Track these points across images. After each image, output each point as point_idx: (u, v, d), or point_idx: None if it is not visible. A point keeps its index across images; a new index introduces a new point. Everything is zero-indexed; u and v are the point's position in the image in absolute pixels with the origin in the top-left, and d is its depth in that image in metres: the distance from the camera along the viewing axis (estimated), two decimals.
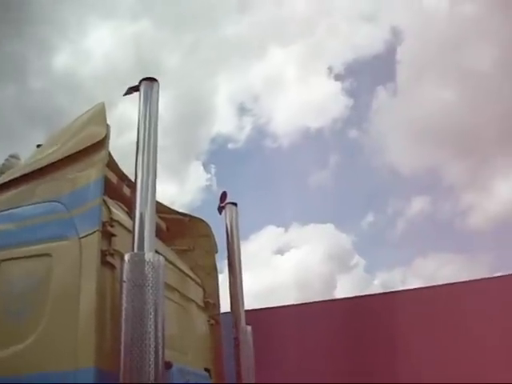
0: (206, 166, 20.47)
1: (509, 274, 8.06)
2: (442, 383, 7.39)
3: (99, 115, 4.66)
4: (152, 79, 4.68)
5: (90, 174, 4.43)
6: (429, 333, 8.09)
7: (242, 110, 20.46)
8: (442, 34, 17.32)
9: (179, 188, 19.13)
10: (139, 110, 4.59)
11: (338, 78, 19.93)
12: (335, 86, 20.11)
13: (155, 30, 19.83)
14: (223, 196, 6.70)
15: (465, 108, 17.57)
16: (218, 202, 6.70)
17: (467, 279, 8.51)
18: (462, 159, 18.35)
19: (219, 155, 20.16)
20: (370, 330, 8.45)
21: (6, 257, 4.44)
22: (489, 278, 8.43)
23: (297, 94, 20.59)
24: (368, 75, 19.93)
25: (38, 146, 5.56)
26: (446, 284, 8.54)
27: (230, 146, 20.11)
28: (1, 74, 16.29)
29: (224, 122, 21.14)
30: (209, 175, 20.06)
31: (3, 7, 15.02)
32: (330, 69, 19.62)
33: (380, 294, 9.42)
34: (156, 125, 4.56)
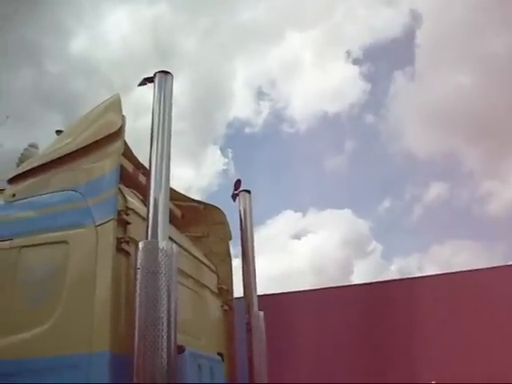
0: (223, 151, 20.56)
1: None
2: (446, 383, 7.47)
3: (115, 106, 4.77)
4: (166, 72, 4.78)
5: (105, 164, 4.57)
6: (445, 319, 8.16)
7: (260, 95, 20.47)
8: (460, 18, 17.21)
9: (196, 172, 19.20)
10: (153, 101, 4.70)
11: (355, 62, 20.04)
12: (353, 71, 20.14)
13: (172, 14, 19.91)
14: (237, 183, 6.80)
15: (483, 93, 17.44)
16: (232, 188, 6.80)
17: (483, 267, 8.54)
18: (479, 144, 18.28)
19: (236, 140, 20.26)
20: (384, 317, 8.53)
21: (25, 243, 4.60)
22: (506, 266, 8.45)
23: (314, 78, 20.64)
24: (386, 59, 19.86)
25: (58, 131, 5.70)
26: (463, 271, 8.58)
27: (247, 130, 20.23)
28: (18, 58, 16.41)
29: (241, 107, 21.15)
30: (226, 159, 20.16)
31: None
32: (348, 53, 19.65)
33: (396, 280, 9.51)
34: (170, 116, 4.67)
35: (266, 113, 20.92)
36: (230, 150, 20.79)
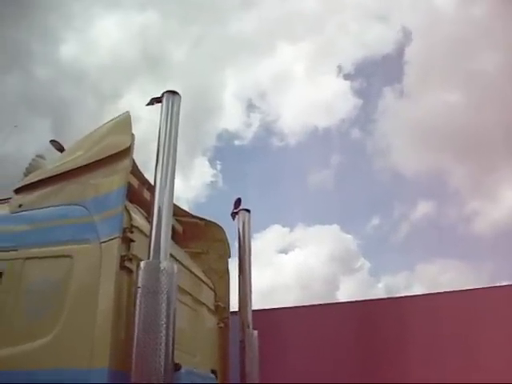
0: (211, 162, 20.32)
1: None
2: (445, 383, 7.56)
3: (125, 124, 4.87)
4: (174, 92, 4.90)
5: (113, 181, 4.65)
6: (431, 340, 8.25)
7: (250, 107, 20.26)
8: (451, 35, 17.27)
9: (184, 183, 18.87)
10: (160, 120, 4.81)
11: (347, 77, 19.84)
12: (344, 85, 19.99)
13: (161, 22, 19.62)
14: (237, 202, 6.91)
15: (471, 111, 17.47)
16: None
17: (469, 288, 8.66)
18: (467, 163, 18.23)
19: (225, 152, 20.01)
20: (379, 334, 8.60)
21: (29, 255, 4.66)
22: (492, 287, 8.57)
23: (305, 92, 20.46)
24: (377, 75, 19.89)
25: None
26: (449, 292, 8.69)
27: (236, 142, 19.98)
28: (6, 62, 16.27)
29: (231, 119, 20.95)
30: (214, 171, 19.93)
31: None
32: (340, 67, 19.52)
33: (390, 298, 9.60)
34: (176, 135, 4.77)
35: (255, 125, 20.78)
36: (218, 162, 20.63)
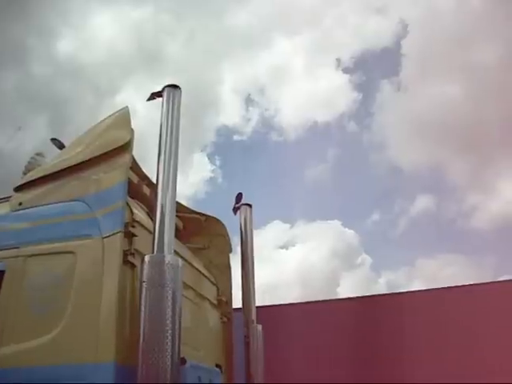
0: (210, 158, 20.29)
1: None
2: (442, 383, 7.56)
3: (124, 119, 4.86)
4: (175, 86, 4.87)
5: (114, 177, 4.64)
6: (434, 335, 8.26)
7: (248, 102, 20.29)
8: (449, 27, 17.29)
9: (183, 179, 18.69)
10: (161, 114, 4.79)
11: (345, 70, 20.00)
12: (342, 79, 20.13)
13: (157, 17, 19.71)
14: (239, 197, 6.89)
15: (470, 104, 17.53)
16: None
17: (471, 283, 8.67)
18: (466, 157, 18.29)
19: (224, 147, 19.95)
20: (383, 330, 8.60)
21: (31, 252, 4.66)
22: (494, 282, 8.58)
23: (303, 86, 20.48)
24: (375, 68, 19.90)
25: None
26: (451, 287, 8.70)
27: (235, 137, 20.01)
28: (3, 59, 16.26)
29: (229, 114, 20.93)
30: (213, 167, 19.91)
31: None
32: (338, 61, 19.67)
33: (394, 293, 9.59)
34: (178, 129, 4.75)
35: (254, 120, 20.76)
36: (217, 158, 20.60)
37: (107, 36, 19.65)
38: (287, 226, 19.05)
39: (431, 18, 18.01)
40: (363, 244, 18.79)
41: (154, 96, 4.97)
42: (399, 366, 8.15)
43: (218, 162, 20.31)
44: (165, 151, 4.63)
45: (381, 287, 16.76)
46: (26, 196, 5.11)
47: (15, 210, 5.06)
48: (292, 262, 18.60)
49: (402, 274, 17.60)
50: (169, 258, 4.17)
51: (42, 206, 4.94)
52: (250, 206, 6.88)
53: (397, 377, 8.02)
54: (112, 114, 5.05)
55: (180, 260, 4.31)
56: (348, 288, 17.31)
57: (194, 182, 20.05)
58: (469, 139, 17.15)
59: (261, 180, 18.49)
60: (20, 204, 5.06)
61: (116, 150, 4.73)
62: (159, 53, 19.61)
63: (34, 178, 5.19)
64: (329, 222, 18.71)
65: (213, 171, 20.05)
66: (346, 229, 18.58)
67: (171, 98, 4.83)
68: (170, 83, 4.91)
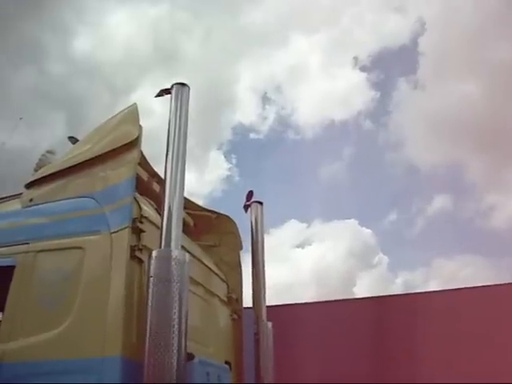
0: (226, 156, 20.14)
1: None
2: (444, 383, 7.48)
3: (132, 116, 4.89)
4: (183, 84, 4.90)
5: (122, 173, 4.67)
6: (450, 337, 8.16)
7: (265, 100, 20.14)
8: (467, 26, 17.06)
9: (199, 177, 18.65)
10: (170, 111, 4.81)
11: (362, 69, 19.82)
12: (360, 77, 19.91)
13: (174, 15, 19.65)
14: (249, 194, 6.89)
15: (488, 103, 17.23)
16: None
17: (489, 284, 8.55)
18: (484, 156, 18.01)
19: (241, 145, 19.87)
20: (395, 331, 8.53)
21: (41, 248, 4.71)
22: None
23: (320, 84, 20.34)
24: (393, 66, 19.66)
25: (70, 138, 5.83)
26: (468, 288, 8.58)
27: (251, 136, 19.88)
28: (19, 57, 16.37)
29: (246, 112, 20.76)
30: (230, 165, 19.79)
31: None
32: (356, 59, 19.47)
33: (407, 294, 9.51)
34: (186, 126, 4.78)
35: (271, 119, 20.58)
36: (233, 156, 20.47)
37: (123, 34, 19.70)
38: (304, 225, 18.95)
39: (449, 16, 17.86)
40: (380, 244, 18.68)
41: (163, 93, 4.99)
42: (406, 366, 8.08)
43: (234, 161, 20.24)
44: (173, 148, 4.65)
45: (397, 287, 16.58)
46: (36, 192, 5.18)
47: (26, 207, 5.13)
48: (308, 261, 18.50)
49: (419, 275, 17.38)
50: (176, 252, 4.18)
51: (52, 202, 5.00)
52: (260, 203, 6.87)
53: (401, 377, 7.95)
54: (121, 111, 5.09)
55: (187, 255, 4.32)
56: (365, 288, 17.16)
57: (210, 180, 20.06)
58: (487, 138, 16.91)
59: (277, 178, 18.34)
60: (31, 200, 5.13)
61: (124, 146, 4.77)
62: (175, 51, 19.65)
63: (44, 174, 5.26)
64: (345, 221, 18.57)
65: (229, 169, 19.99)
66: (363, 228, 18.43)
67: (179, 96, 4.85)
68: (179, 81, 4.94)
